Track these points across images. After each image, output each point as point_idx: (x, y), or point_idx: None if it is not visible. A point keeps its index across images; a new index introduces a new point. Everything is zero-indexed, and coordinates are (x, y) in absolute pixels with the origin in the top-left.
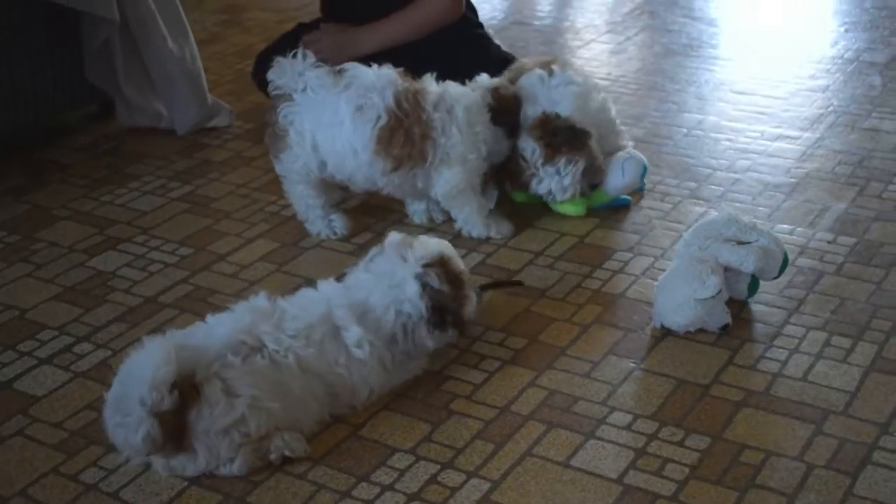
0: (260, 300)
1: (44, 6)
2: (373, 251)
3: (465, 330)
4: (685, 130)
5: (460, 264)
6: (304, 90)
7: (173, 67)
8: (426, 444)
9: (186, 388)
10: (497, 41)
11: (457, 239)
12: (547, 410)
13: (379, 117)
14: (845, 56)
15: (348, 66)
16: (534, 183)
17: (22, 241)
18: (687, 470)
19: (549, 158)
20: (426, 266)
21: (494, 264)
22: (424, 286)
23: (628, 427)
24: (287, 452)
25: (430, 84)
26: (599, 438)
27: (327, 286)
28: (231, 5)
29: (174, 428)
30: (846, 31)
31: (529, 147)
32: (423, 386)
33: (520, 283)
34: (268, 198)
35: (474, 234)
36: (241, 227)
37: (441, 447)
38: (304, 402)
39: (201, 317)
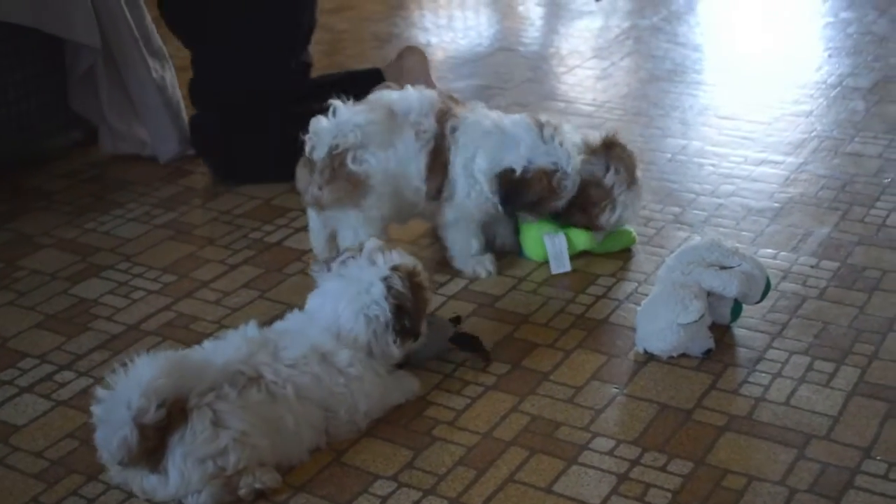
0: (251, 330)
1: (28, 35)
2: (346, 254)
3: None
4: (669, 155)
5: (426, 279)
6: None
7: (155, 96)
8: (408, 471)
9: (176, 410)
10: None
11: (442, 263)
12: (529, 436)
13: (429, 141)
14: (829, 81)
15: (384, 96)
16: (605, 214)
17: (4, 269)
18: (669, 495)
19: (629, 182)
20: (393, 269)
21: (478, 290)
22: (389, 288)
23: (611, 452)
24: (258, 485)
25: (469, 108)
26: (582, 464)
27: (299, 316)
28: None
29: (153, 444)
30: (830, 56)
31: (603, 168)
32: (405, 412)
33: (487, 357)
34: (251, 224)
35: (459, 267)
36: (224, 253)
37: (423, 473)
38: (297, 435)
39: (184, 344)
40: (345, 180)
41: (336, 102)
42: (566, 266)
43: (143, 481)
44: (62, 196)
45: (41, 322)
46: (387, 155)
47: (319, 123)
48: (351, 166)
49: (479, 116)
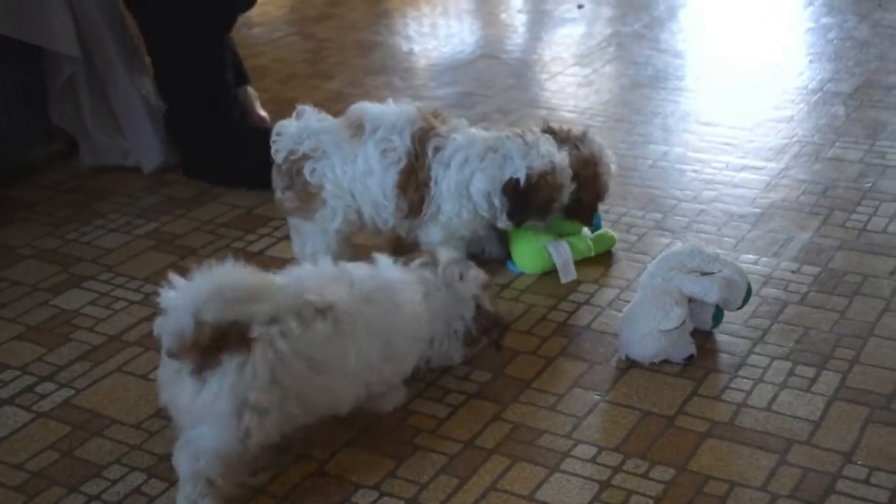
0: (326, 263)
1: (8, 46)
2: (421, 259)
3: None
4: (651, 162)
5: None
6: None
7: (138, 106)
8: (391, 480)
9: (236, 333)
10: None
11: None
12: (511, 444)
13: (399, 159)
14: (809, 87)
15: (362, 108)
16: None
17: None
18: (652, 502)
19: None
20: (483, 288)
21: None
22: (479, 307)
23: (593, 460)
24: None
25: (452, 126)
26: (564, 472)
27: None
28: None
29: (206, 350)
30: (811, 61)
31: (590, 152)
32: (387, 421)
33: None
34: (234, 234)
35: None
36: (206, 263)
37: (405, 482)
38: (355, 374)
39: None
40: (301, 189)
41: (303, 107)
42: (573, 274)
43: (176, 382)
44: (43, 206)
45: (22, 333)
46: (344, 169)
47: (283, 126)
48: (307, 177)
49: (468, 138)
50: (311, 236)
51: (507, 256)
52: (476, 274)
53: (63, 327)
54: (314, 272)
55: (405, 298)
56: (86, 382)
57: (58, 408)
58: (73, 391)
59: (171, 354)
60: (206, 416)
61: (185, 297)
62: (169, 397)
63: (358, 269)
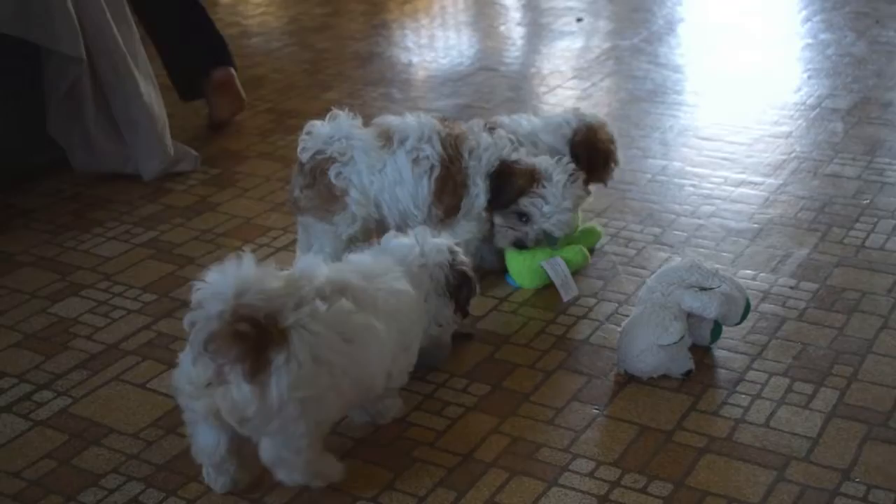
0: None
1: (7, 53)
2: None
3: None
4: (650, 176)
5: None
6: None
7: (140, 113)
8: (388, 492)
9: (272, 325)
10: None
11: None
12: (510, 457)
13: (433, 167)
14: (808, 102)
15: (386, 120)
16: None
17: None
18: None
19: None
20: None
21: None
22: (452, 264)
23: (591, 474)
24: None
25: (472, 130)
26: (562, 486)
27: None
28: None
29: (249, 348)
30: (809, 77)
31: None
32: (385, 433)
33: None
34: (232, 243)
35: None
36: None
37: (403, 495)
38: (382, 350)
39: (165, 364)
40: (324, 189)
41: (337, 111)
42: (575, 290)
43: (234, 391)
44: (42, 214)
45: (20, 341)
46: (371, 178)
47: (315, 126)
48: (331, 178)
49: (493, 137)
50: (318, 237)
51: (505, 270)
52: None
53: (61, 335)
54: (318, 261)
55: (402, 283)
56: (84, 391)
57: (55, 416)
58: (70, 400)
59: (205, 344)
60: (277, 421)
61: (221, 287)
62: (215, 407)
63: (353, 258)
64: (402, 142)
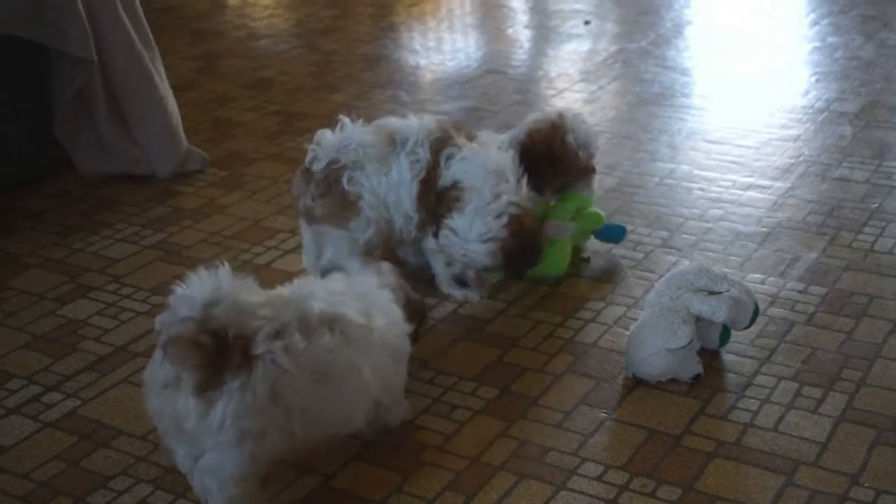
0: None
1: (15, 55)
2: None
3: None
4: (657, 179)
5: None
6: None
7: (154, 111)
8: (397, 495)
9: (239, 348)
10: None
11: (431, 286)
12: (518, 461)
13: (421, 171)
14: (816, 106)
15: (388, 122)
16: None
17: None
18: None
19: None
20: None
21: (466, 314)
22: (406, 297)
23: (599, 478)
24: None
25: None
26: (571, 489)
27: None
28: (207, 52)
29: (205, 360)
30: (817, 81)
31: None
32: (394, 436)
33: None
34: (241, 245)
35: (446, 290)
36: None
37: (412, 498)
38: (366, 388)
39: None
40: (338, 197)
41: (344, 119)
42: (569, 228)
43: (180, 399)
44: (50, 216)
45: (29, 343)
46: (379, 180)
47: (325, 136)
48: (345, 185)
49: (477, 148)
50: (335, 244)
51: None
52: (389, 267)
53: (70, 337)
54: (321, 284)
55: (392, 304)
56: (92, 393)
57: (64, 418)
58: (79, 401)
59: (165, 346)
60: (211, 441)
61: (194, 293)
62: (163, 410)
63: (353, 279)
64: (403, 143)
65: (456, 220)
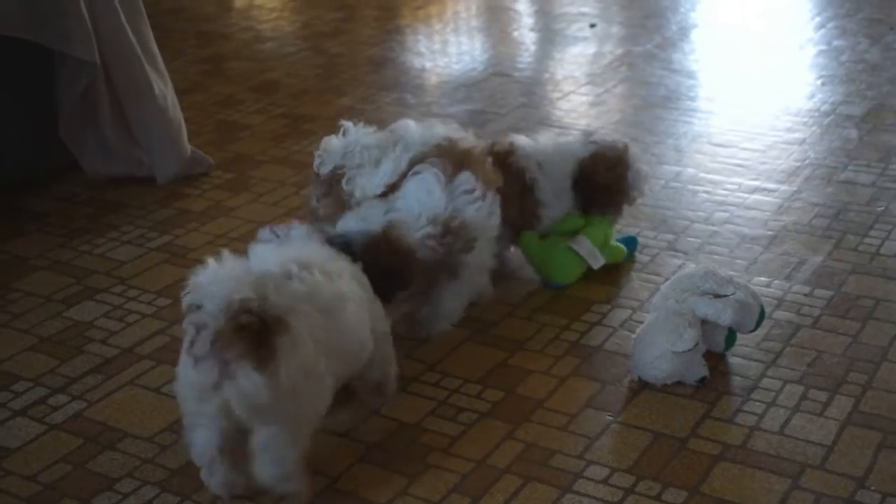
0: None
1: (19, 57)
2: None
3: None
4: (663, 182)
5: None
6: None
7: (156, 115)
8: (402, 498)
9: (271, 317)
10: None
11: None
12: (524, 464)
13: (395, 177)
14: (822, 109)
15: (399, 125)
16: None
17: None
18: None
19: None
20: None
21: (472, 316)
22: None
23: (605, 481)
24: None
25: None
26: (576, 492)
27: None
28: (213, 55)
29: (254, 340)
30: (823, 84)
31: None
32: (399, 438)
33: None
34: (247, 248)
35: None
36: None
37: (417, 500)
38: (358, 313)
39: None
40: (338, 197)
41: (346, 124)
42: (602, 259)
43: (244, 382)
44: (56, 218)
45: (35, 345)
46: (370, 181)
47: (330, 143)
48: (344, 185)
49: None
50: None
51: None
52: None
53: (76, 339)
54: (269, 248)
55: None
56: (98, 395)
57: (70, 420)
58: (85, 403)
59: (213, 345)
60: (290, 403)
61: (215, 286)
62: (218, 409)
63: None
64: (394, 147)
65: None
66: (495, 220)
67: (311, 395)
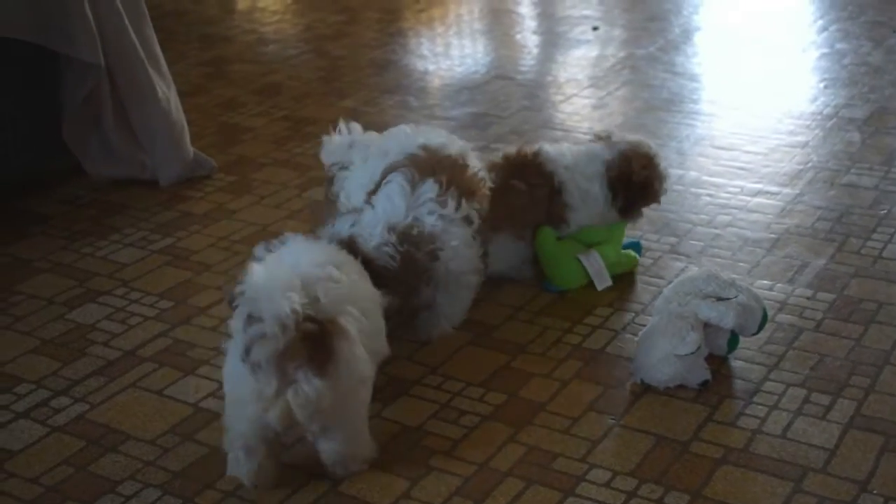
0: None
1: (23, 60)
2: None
3: None
4: (666, 186)
5: None
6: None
7: (158, 118)
8: (405, 501)
9: (326, 321)
10: None
11: None
12: (526, 467)
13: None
14: (824, 112)
15: (391, 130)
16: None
17: (1, 293)
18: None
19: None
20: None
21: (475, 319)
22: None
23: (607, 484)
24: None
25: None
26: (578, 496)
27: None
28: (216, 58)
29: (314, 347)
30: (825, 87)
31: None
32: (402, 441)
33: None
34: (249, 250)
35: None
36: (221, 279)
37: None
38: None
39: (181, 371)
40: (330, 196)
41: (353, 124)
42: (608, 280)
43: (305, 387)
44: (59, 220)
45: (37, 347)
46: (351, 182)
47: (328, 139)
48: (332, 185)
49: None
50: None
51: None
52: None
53: (78, 342)
54: (303, 244)
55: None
56: (101, 397)
57: (72, 422)
58: (87, 406)
59: (278, 358)
60: (348, 404)
61: (262, 298)
62: (287, 408)
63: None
64: (385, 153)
65: None
66: (467, 227)
67: (367, 393)
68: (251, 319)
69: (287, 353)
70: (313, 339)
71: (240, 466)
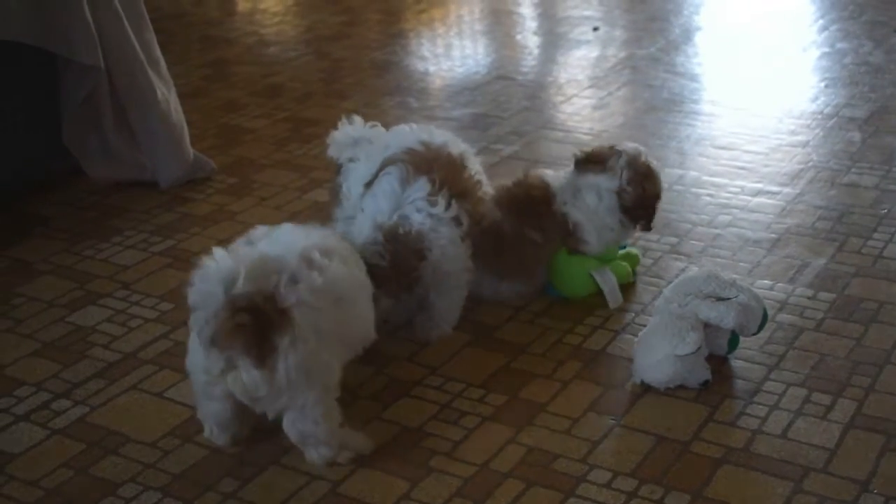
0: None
1: (24, 62)
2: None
3: None
4: (666, 185)
5: None
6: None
7: (158, 120)
8: (405, 502)
9: (272, 308)
10: None
11: None
12: (526, 468)
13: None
14: (825, 112)
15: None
16: None
17: (2, 296)
18: None
19: None
20: None
21: (475, 320)
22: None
23: (608, 485)
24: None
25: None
26: (579, 496)
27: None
28: (216, 59)
29: (254, 336)
30: (826, 86)
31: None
32: (402, 442)
33: None
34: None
35: None
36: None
37: None
38: (370, 298)
39: (182, 373)
40: (334, 189)
41: (355, 117)
42: (620, 299)
43: (244, 375)
44: (60, 222)
45: (38, 350)
46: (354, 176)
47: (334, 133)
48: (337, 177)
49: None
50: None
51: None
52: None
53: (79, 344)
54: (294, 230)
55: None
56: (101, 400)
57: (73, 425)
58: (88, 408)
59: (214, 343)
60: (286, 398)
61: (210, 286)
62: (224, 391)
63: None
64: (386, 147)
65: None
66: (456, 227)
67: (313, 382)
68: (192, 308)
69: (223, 340)
70: (251, 331)
71: (215, 437)
